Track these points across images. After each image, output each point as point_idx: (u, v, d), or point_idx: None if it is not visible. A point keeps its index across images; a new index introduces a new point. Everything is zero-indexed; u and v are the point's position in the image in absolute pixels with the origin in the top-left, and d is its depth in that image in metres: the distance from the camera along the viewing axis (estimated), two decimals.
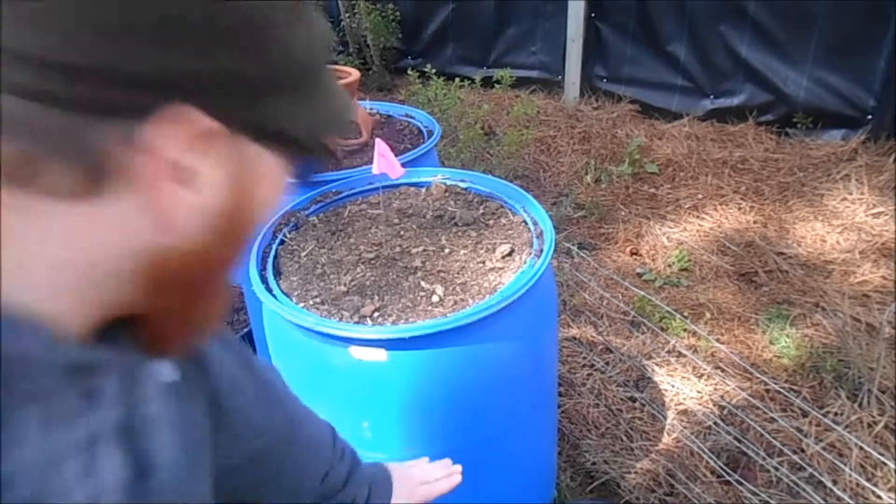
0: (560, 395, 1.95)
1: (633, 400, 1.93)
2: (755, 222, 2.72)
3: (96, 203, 0.30)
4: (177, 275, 0.34)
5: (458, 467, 0.93)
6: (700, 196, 2.94)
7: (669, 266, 2.54)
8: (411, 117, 2.05)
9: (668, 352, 2.07)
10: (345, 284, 1.19)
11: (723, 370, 1.98)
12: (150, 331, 0.37)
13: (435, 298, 1.13)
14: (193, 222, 0.32)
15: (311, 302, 1.15)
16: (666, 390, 1.96)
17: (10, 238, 0.29)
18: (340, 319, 1.10)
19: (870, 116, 3.04)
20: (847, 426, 1.73)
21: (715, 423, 1.80)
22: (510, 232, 1.31)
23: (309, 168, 0.45)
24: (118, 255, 0.32)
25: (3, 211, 0.28)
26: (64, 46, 0.26)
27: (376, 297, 1.15)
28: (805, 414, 1.78)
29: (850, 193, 2.78)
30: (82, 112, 0.28)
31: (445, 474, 0.91)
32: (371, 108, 2.09)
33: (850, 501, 1.53)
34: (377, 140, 1.27)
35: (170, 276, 0.34)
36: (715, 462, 1.66)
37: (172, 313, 0.37)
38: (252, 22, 0.31)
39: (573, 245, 2.67)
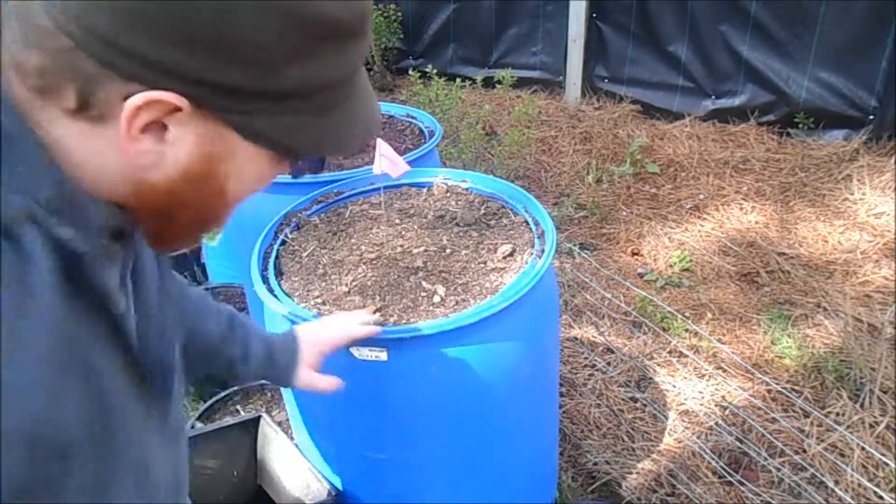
0: (561, 395, 1.95)
1: (635, 400, 1.93)
2: (757, 222, 2.72)
3: (92, 127, 0.42)
4: (149, 199, 0.46)
5: (376, 319, 1.04)
6: (701, 196, 2.94)
7: (671, 266, 2.54)
8: (413, 118, 2.05)
9: (670, 352, 2.07)
10: (346, 285, 1.19)
11: (724, 371, 1.98)
12: (143, 228, 0.50)
13: (436, 299, 1.13)
14: (156, 170, 0.44)
15: (312, 302, 1.15)
16: (667, 391, 1.96)
17: (64, 145, 0.42)
18: None
19: (871, 117, 3.04)
20: (849, 426, 1.73)
21: (716, 423, 1.80)
22: (511, 232, 1.31)
23: (302, 170, 0.57)
24: (112, 169, 0.44)
25: (50, 127, 0.41)
26: (118, 30, 0.38)
27: (378, 298, 1.15)
28: (807, 414, 1.78)
29: (852, 194, 2.78)
30: (106, 67, 0.39)
31: (364, 322, 1.00)
32: None
33: (852, 502, 1.53)
34: (378, 140, 1.27)
35: (145, 198, 0.46)
36: (716, 462, 1.66)
37: (153, 222, 0.49)
38: (260, 50, 0.41)
39: (574, 245, 2.67)
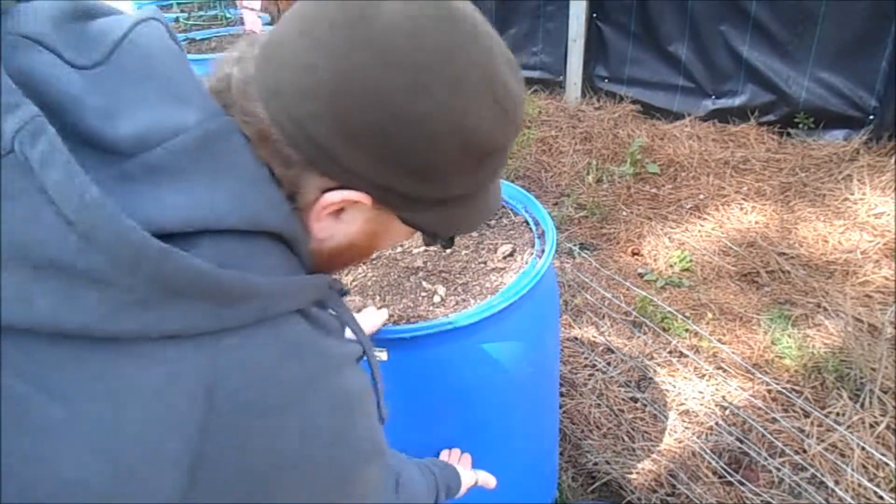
0: (562, 395, 1.95)
1: (635, 400, 1.93)
2: (757, 222, 2.72)
3: (301, 211, 0.51)
4: (315, 258, 0.55)
5: (379, 314, 1.07)
6: (702, 196, 2.94)
7: (671, 266, 2.54)
8: None
9: (670, 352, 2.07)
10: (346, 284, 1.19)
11: (724, 371, 1.98)
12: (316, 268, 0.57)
13: (437, 299, 1.13)
14: (333, 239, 0.54)
15: None
16: (667, 391, 1.96)
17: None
18: None
19: (871, 117, 3.03)
20: (849, 426, 1.73)
21: (717, 423, 1.80)
22: (512, 232, 1.31)
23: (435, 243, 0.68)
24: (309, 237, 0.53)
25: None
26: (333, 140, 0.46)
27: (378, 298, 1.15)
28: (807, 414, 1.78)
29: (852, 194, 2.78)
30: (310, 163, 0.48)
31: (364, 321, 1.04)
32: None
33: (852, 502, 1.53)
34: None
35: (314, 257, 0.54)
36: (717, 462, 1.66)
37: (315, 267, 0.56)
38: (440, 170, 0.49)
39: (575, 245, 2.67)
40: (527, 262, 1.18)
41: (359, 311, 1.10)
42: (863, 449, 1.65)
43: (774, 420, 1.76)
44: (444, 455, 1.11)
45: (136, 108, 0.42)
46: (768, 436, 1.67)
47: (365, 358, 0.60)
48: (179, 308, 0.39)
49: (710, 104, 3.48)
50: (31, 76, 0.39)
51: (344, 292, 0.64)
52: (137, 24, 0.47)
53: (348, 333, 0.60)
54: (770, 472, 1.65)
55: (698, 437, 1.78)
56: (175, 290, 0.38)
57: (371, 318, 1.03)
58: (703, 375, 1.98)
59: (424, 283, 1.18)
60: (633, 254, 2.66)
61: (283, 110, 0.46)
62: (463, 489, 1.02)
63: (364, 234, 0.55)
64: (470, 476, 1.05)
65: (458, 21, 0.47)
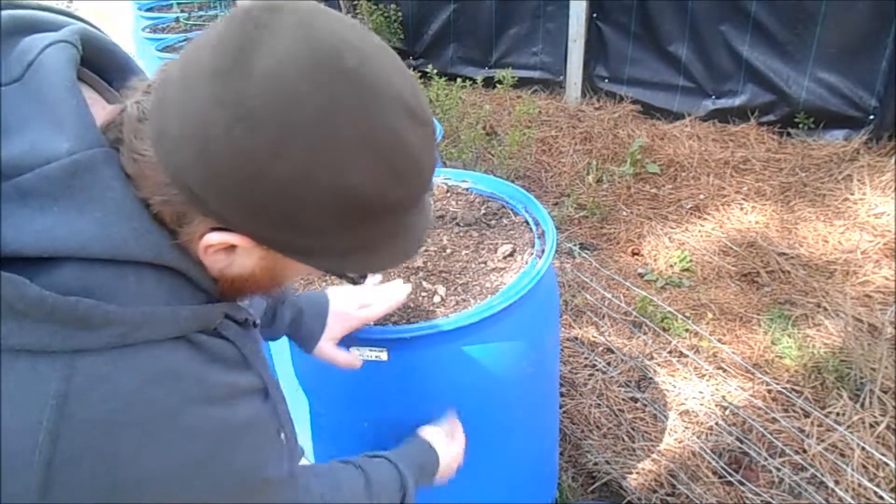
0: (562, 395, 1.95)
1: (635, 400, 1.93)
2: (757, 223, 2.72)
3: (186, 242, 0.51)
4: (224, 283, 0.56)
5: (402, 288, 1.05)
6: (702, 196, 2.94)
7: (671, 266, 2.54)
8: None
9: (670, 352, 2.07)
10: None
11: (724, 371, 1.98)
12: (222, 292, 0.58)
13: (437, 299, 1.13)
14: (227, 273, 0.55)
15: None
16: (668, 391, 1.96)
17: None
18: None
19: (871, 117, 3.03)
20: (849, 426, 1.73)
21: (717, 423, 1.80)
22: (512, 232, 1.31)
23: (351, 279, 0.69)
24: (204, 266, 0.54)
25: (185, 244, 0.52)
26: (206, 192, 0.47)
27: None
28: (807, 414, 1.78)
29: (852, 194, 2.78)
30: (194, 205, 0.49)
31: (387, 297, 1.02)
32: None
33: (852, 502, 1.53)
34: None
35: (222, 283, 0.57)
36: (717, 462, 1.66)
37: (230, 294, 0.59)
38: (316, 225, 0.49)
39: (575, 245, 2.67)
40: (527, 262, 1.18)
41: (382, 281, 1.10)
42: (863, 449, 1.65)
43: (774, 420, 1.76)
44: (426, 431, 1.05)
45: (21, 132, 0.46)
46: (768, 436, 1.67)
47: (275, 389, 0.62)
48: (26, 327, 0.43)
49: (710, 104, 3.48)
50: None
51: (254, 324, 0.63)
52: (48, 45, 0.49)
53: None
54: (770, 472, 1.65)
55: (698, 437, 1.78)
56: (18, 311, 0.42)
57: (394, 292, 1.03)
58: (703, 375, 1.98)
59: (424, 283, 1.18)
60: (633, 254, 2.66)
61: (165, 154, 0.47)
62: (447, 463, 1.01)
63: (261, 270, 0.56)
64: (455, 448, 1.04)
65: (338, 75, 0.45)
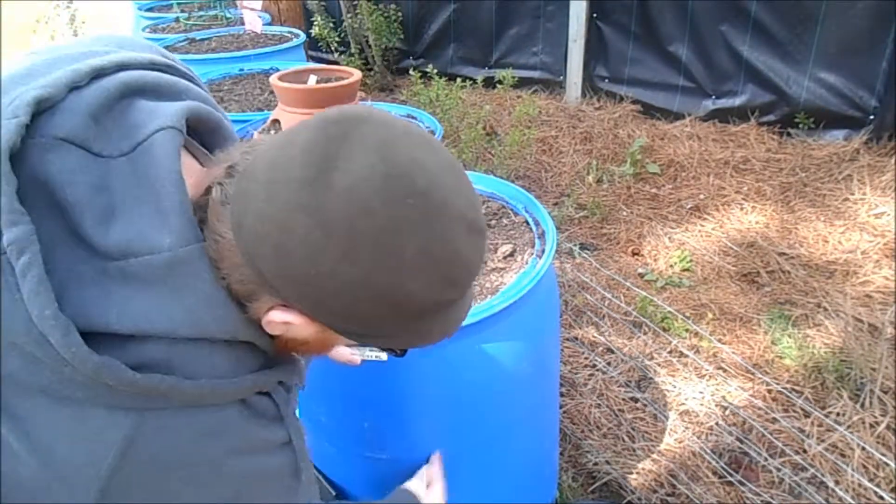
0: (562, 395, 1.95)
1: (635, 400, 1.93)
2: (757, 223, 2.72)
3: (252, 315, 0.58)
4: (279, 344, 0.63)
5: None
6: (702, 196, 2.94)
7: (671, 266, 2.54)
8: (413, 118, 2.05)
9: (670, 352, 2.07)
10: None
11: (725, 371, 1.98)
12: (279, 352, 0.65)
13: None
14: (286, 336, 0.61)
15: None
16: (668, 391, 1.96)
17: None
18: None
19: (872, 117, 3.03)
20: (849, 426, 1.73)
21: (717, 423, 1.80)
22: (512, 232, 1.31)
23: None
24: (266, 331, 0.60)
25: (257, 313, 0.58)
26: (277, 281, 0.53)
27: None
28: (807, 414, 1.78)
29: (853, 194, 2.78)
30: (263, 290, 0.55)
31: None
32: None
33: (852, 502, 1.53)
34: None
35: (278, 343, 0.63)
36: (717, 462, 1.66)
37: (285, 354, 0.66)
38: (373, 322, 0.55)
39: (575, 245, 2.67)
40: (527, 262, 1.18)
41: None
42: (863, 449, 1.65)
43: (774, 420, 1.76)
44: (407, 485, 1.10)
45: (128, 217, 0.52)
46: (768, 436, 1.67)
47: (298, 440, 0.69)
48: (111, 392, 0.51)
49: (710, 104, 3.48)
50: (48, 183, 0.50)
51: (298, 387, 0.72)
52: (159, 130, 0.55)
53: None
54: (770, 472, 1.65)
55: (698, 437, 1.78)
56: (109, 385, 0.50)
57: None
58: (704, 375, 1.98)
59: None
60: (634, 254, 2.66)
61: (242, 241, 0.52)
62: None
63: (315, 341, 0.62)
64: (435, 495, 1.08)
65: (408, 196, 0.50)
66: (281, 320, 0.56)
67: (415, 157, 0.52)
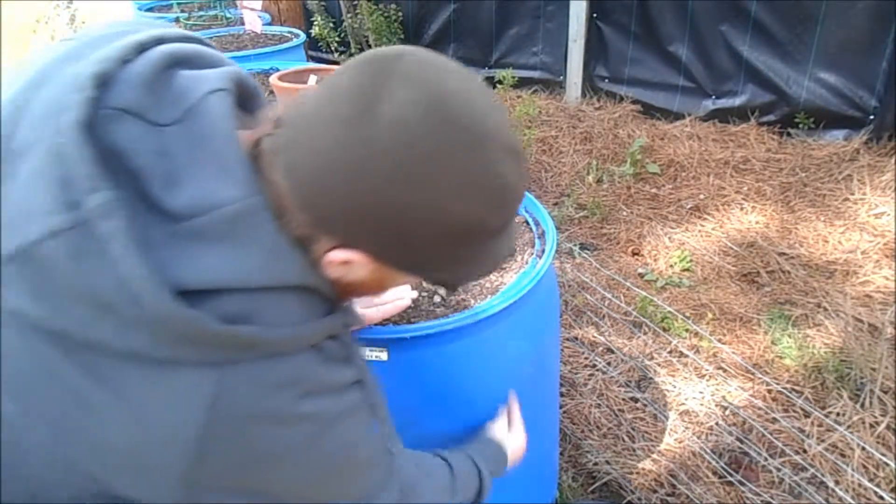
0: (562, 395, 1.95)
1: (635, 400, 1.93)
2: (757, 223, 2.72)
3: (313, 259, 0.60)
4: (338, 287, 0.64)
5: (408, 294, 1.09)
6: (702, 196, 2.94)
7: (671, 266, 2.54)
8: None
9: (670, 352, 2.07)
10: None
11: (725, 371, 1.98)
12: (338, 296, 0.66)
13: (437, 298, 1.13)
14: (344, 280, 0.62)
15: None
16: (668, 391, 1.96)
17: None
18: None
19: (872, 117, 3.03)
20: (849, 426, 1.73)
21: (717, 423, 1.80)
22: None
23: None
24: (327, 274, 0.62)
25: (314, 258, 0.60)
26: (335, 217, 0.56)
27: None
28: (807, 414, 1.78)
29: (853, 194, 2.78)
30: (321, 231, 0.58)
31: (392, 300, 1.05)
32: None
33: (852, 502, 1.53)
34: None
35: (337, 286, 0.64)
36: (717, 462, 1.66)
37: (343, 296, 0.67)
38: (428, 250, 0.59)
39: (575, 245, 2.67)
40: (527, 262, 1.18)
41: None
42: (863, 449, 1.65)
43: (774, 420, 1.76)
44: (489, 429, 1.09)
45: (192, 178, 0.54)
46: (768, 436, 1.67)
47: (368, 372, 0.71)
48: (196, 350, 0.52)
49: (710, 104, 3.48)
50: (116, 152, 0.52)
51: (357, 324, 0.75)
52: (210, 92, 0.58)
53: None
54: (770, 472, 1.65)
55: (698, 437, 1.78)
56: (192, 339, 0.52)
57: (400, 296, 1.05)
58: (704, 375, 1.98)
59: (425, 284, 1.17)
60: (634, 254, 2.66)
61: (297, 185, 0.55)
62: (513, 452, 1.08)
63: (372, 279, 0.64)
64: (517, 439, 1.09)
65: (451, 123, 0.53)
66: (341, 259, 0.58)
67: (448, 86, 0.55)
